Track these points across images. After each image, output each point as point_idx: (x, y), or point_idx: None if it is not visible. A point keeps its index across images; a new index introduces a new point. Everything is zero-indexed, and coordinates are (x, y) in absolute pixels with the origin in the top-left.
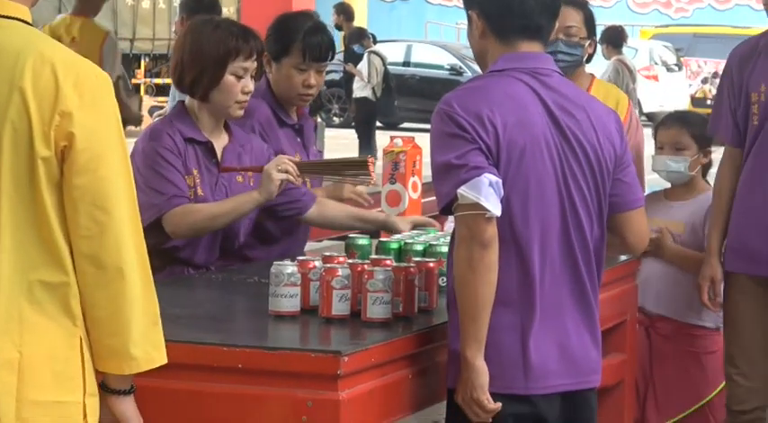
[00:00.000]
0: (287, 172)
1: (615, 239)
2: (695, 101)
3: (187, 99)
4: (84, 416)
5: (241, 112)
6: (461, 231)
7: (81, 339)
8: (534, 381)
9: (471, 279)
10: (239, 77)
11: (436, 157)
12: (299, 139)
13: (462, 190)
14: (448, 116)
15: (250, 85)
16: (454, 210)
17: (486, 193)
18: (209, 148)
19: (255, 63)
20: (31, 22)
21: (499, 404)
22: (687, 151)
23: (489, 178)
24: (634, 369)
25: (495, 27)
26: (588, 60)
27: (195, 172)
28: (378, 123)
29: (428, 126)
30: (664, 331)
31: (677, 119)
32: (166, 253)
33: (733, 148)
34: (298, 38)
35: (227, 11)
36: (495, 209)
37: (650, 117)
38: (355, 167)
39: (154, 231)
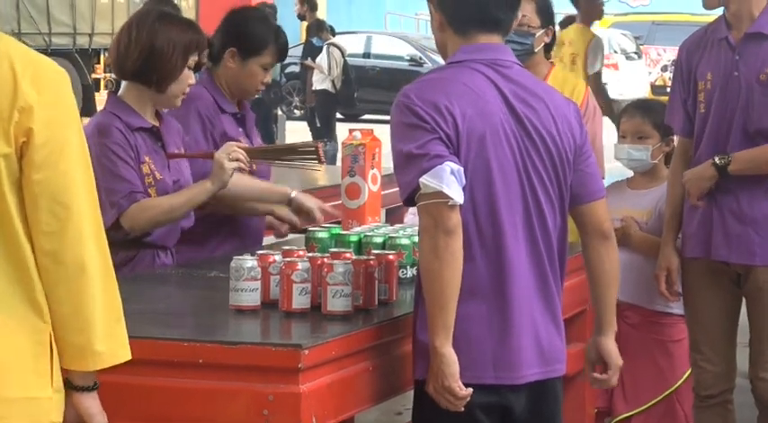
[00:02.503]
0: (238, 160)
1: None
2: (655, 89)
3: (123, 89)
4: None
5: (180, 102)
6: (425, 221)
7: (50, 335)
8: (503, 371)
9: (437, 267)
10: (190, 68)
11: (397, 147)
12: (240, 129)
13: (424, 179)
14: (407, 107)
15: (192, 77)
16: (417, 199)
17: (449, 180)
18: (154, 132)
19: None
20: None
21: (470, 390)
22: (649, 140)
23: (451, 166)
24: None
25: (453, 20)
26: (548, 49)
27: (148, 159)
28: (338, 115)
29: (389, 117)
30: (632, 320)
31: (639, 108)
32: (134, 242)
33: (684, 138)
34: (270, 40)
35: (186, 4)
36: (458, 196)
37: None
38: (305, 153)
39: (115, 228)
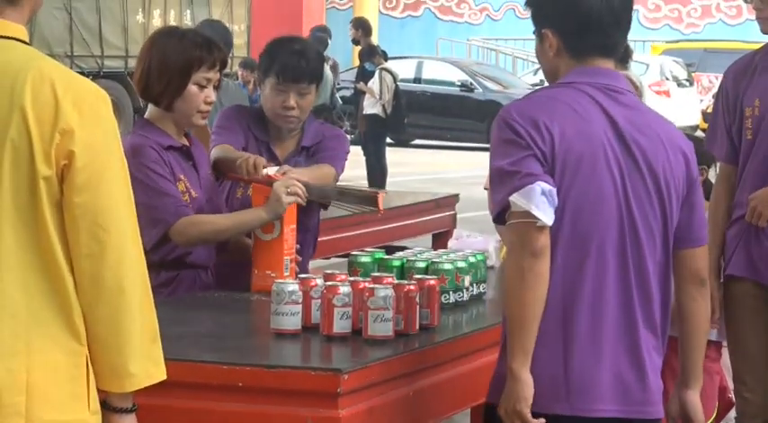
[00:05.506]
0: (296, 194)
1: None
2: (707, 116)
3: (148, 110)
4: None
5: (203, 122)
6: (512, 240)
7: (86, 358)
8: (578, 402)
9: (521, 288)
10: (202, 87)
11: (492, 163)
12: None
13: (514, 197)
14: (505, 123)
15: (212, 95)
16: (507, 217)
17: (539, 201)
18: (184, 151)
19: (218, 73)
20: (27, 41)
21: (542, 420)
22: None
23: (542, 186)
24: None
25: (571, 45)
26: None
27: (182, 177)
28: (388, 140)
29: (438, 143)
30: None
31: None
32: (175, 262)
33: (727, 165)
34: (276, 60)
35: (238, 28)
36: (548, 218)
37: None
38: (364, 199)
39: (158, 247)
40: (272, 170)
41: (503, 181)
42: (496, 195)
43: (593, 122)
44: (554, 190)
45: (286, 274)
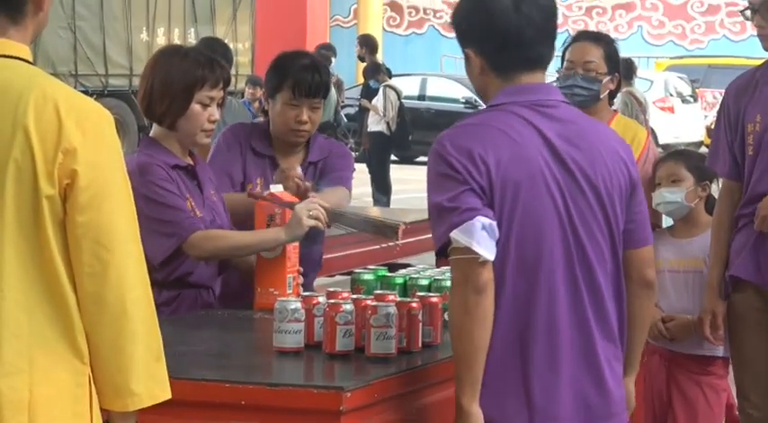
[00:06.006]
0: (317, 219)
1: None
2: (711, 132)
3: (153, 129)
4: None
5: (207, 140)
6: (456, 276)
7: (89, 377)
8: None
9: (467, 324)
10: (205, 106)
11: (431, 198)
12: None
13: (454, 234)
14: (440, 156)
15: (216, 113)
16: (449, 253)
17: (479, 237)
18: (189, 171)
19: (222, 92)
20: (31, 60)
21: None
22: (684, 182)
23: (482, 221)
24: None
25: (494, 62)
26: (612, 96)
27: (188, 196)
28: (393, 157)
29: None
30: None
31: (673, 154)
32: (177, 281)
33: (730, 181)
34: (289, 74)
35: (242, 46)
36: (489, 253)
37: (666, 149)
38: (385, 229)
39: (164, 264)
40: (275, 189)
41: (442, 217)
42: (437, 231)
43: (528, 145)
44: (494, 223)
45: (289, 291)
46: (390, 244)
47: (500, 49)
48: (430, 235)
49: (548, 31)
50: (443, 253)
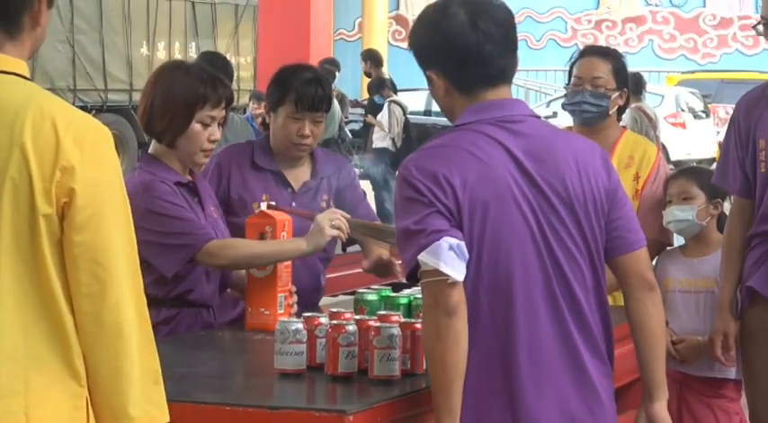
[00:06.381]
0: (339, 228)
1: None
2: None
3: (152, 146)
4: None
5: (206, 160)
6: (426, 299)
7: (86, 399)
8: None
9: (439, 349)
10: (206, 125)
11: (398, 223)
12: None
13: (422, 256)
14: (405, 180)
15: (216, 133)
16: (420, 276)
17: (446, 257)
18: (191, 188)
19: (224, 111)
20: (28, 76)
21: None
22: (695, 200)
23: (450, 241)
24: None
25: (457, 82)
26: (620, 112)
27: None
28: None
29: None
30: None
31: (684, 171)
32: (177, 300)
33: (741, 198)
34: (291, 88)
35: (244, 60)
36: (457, 273)
37: (677, 165)
38: None
39: (162, 282)
40: (265, 205)
41: (409, 240)
42: (405, 255)
43: (495, 164)
44: (462, 243)
45: (280, 311)
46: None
47: (461, 68)
48: None
49: (508, 45)
50: (414, 278)
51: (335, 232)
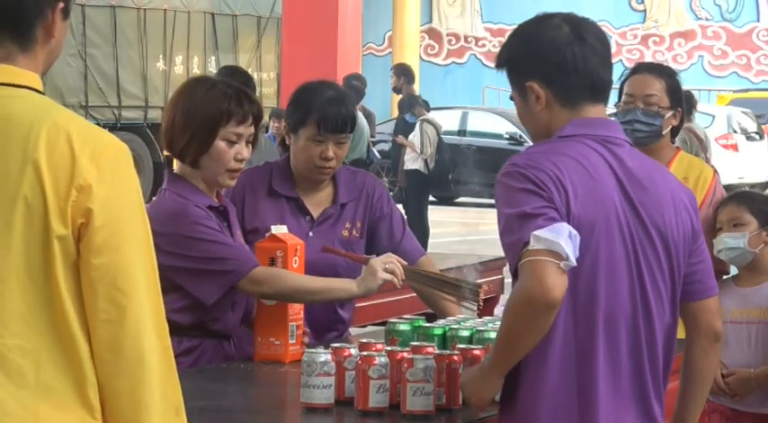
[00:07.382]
0: (393, 273)
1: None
2: None
3: (176, 166)
4: None
5: (232, 182)
6: (524, 281)
7: None
8: None
9: (524, 333)
10: (231, 143)
11: (507, 211)
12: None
13: (539, 232)
14: (519, 173)
15: (244, 151)
16: (522, 256)
17: (567, 239)
18: (221, 211)
19: (252, 128)
20: (42, 90)
21: None
22: (746, 226)
23: (570, 229)
24: None
25: (561, 92)
26: (674, 133)
27: None
28: (431, 197)
29: (486, 200)
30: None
31: (735, 196)
32: (199, 329)
33: None
34: (313, 109)
35: (267, 76)
36: (572, 258)
37: (729, 190)
38: (464, 291)
39: (188, 309)
40: (276, 229)
41: (524, 223)
42: (514, 236)
43: (604, 183)
44: (579, 236)
45: (291, 341)
46: (469, 306)
47: (566, 77)
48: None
49: (608, 60)
50: (518, 262)
51: (389, 276)
